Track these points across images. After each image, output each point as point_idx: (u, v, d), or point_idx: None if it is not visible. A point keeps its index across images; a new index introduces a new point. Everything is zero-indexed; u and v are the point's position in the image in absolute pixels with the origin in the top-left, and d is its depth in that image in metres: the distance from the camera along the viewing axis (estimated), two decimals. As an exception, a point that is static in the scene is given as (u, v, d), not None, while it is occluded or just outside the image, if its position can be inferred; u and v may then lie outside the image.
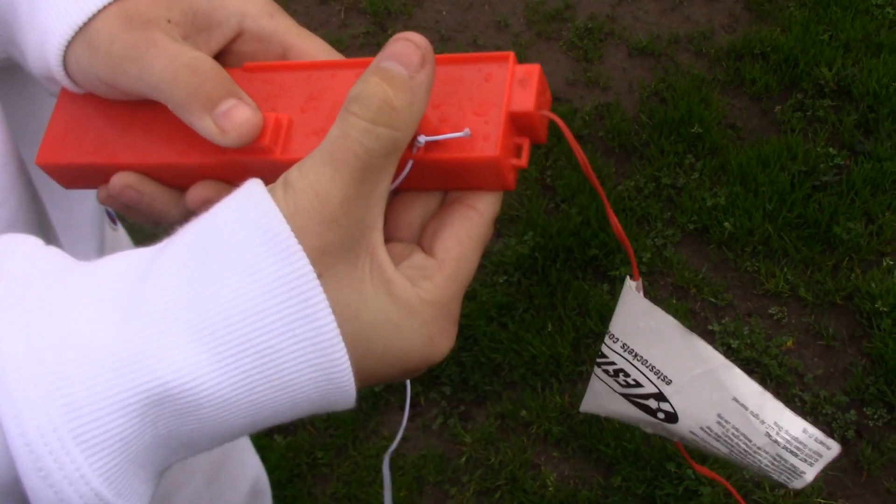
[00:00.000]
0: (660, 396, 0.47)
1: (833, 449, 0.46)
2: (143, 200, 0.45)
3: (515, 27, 2.41)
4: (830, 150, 1.97)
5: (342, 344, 0.34)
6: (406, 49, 0.36)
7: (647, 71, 2.25)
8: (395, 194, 0.41)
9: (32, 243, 0.37)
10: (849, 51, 2.12)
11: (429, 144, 0.38)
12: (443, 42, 2.41)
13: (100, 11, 0.42)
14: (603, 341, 0.48)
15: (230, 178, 0.44)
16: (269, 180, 0.42)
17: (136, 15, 0.43)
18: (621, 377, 0.48)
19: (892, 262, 1.80)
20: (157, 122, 0.45)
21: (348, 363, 0.35)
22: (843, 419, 1.62)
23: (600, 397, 0.50)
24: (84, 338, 0.33)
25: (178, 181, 0.45)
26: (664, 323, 0.45)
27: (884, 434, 1.61)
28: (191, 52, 0.41)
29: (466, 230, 0.39)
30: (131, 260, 0.36)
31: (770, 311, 1.78)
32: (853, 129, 2.00)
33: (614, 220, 0.41)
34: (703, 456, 1.53)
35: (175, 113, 0.41)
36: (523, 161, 0.39)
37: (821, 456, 0.46)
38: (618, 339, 0.47)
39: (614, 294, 1.82)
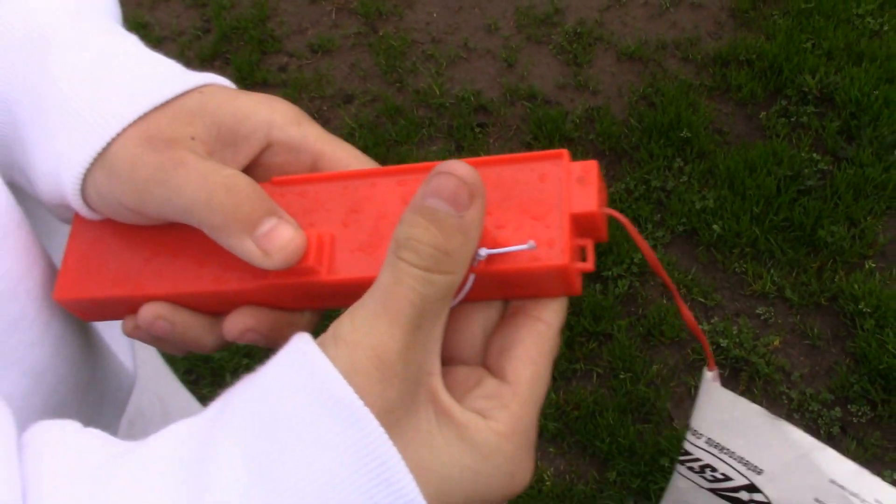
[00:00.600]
0: (751, 488, 0.46)
1: None
2: (175, 331, 0.41)
3: (505, 30, 2.45)
4: (814, 155, 2.03)
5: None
6: (450, 185, 0.33)
7: (635, 76, 2.29)
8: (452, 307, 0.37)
9: (70, 430, 0.35)
10: (831, 59, 2.19)
11: (490, 256, 0.35)
12: (434, 44, 2.44)
13: (118, 135, 0.39)
14: (685, 438, 0.46)
15: (270, 302, 0.41)
16: (313, 301, 0.41)
17: (157, 135, 0.40)
18: (708, 472, 0.47)
19: (874, 265, 1.86)
20: (185, 246, 0.42)
21: None
22: (829, 416, 1.68)
23: (685, 494, 0.49)
24: None
25: (212, 307, 0.42)
26: (749, 412, 0.44)
27: (867, 430, 1.67)
28: (223, 170, 0.38)
29: (538, 347, 0.37)
30: (182, 440, 0.33)
31: (757, 311, 1.83)
32: (836, 135, 2.06)
33: (687, 314, 0.40)
34: None
35: (211, 236, 0.38)
36: (590, 264, 0.36)
37: None
38: (702, 435, 0.45)
39: (606, 293, 1.86)
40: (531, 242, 0.35)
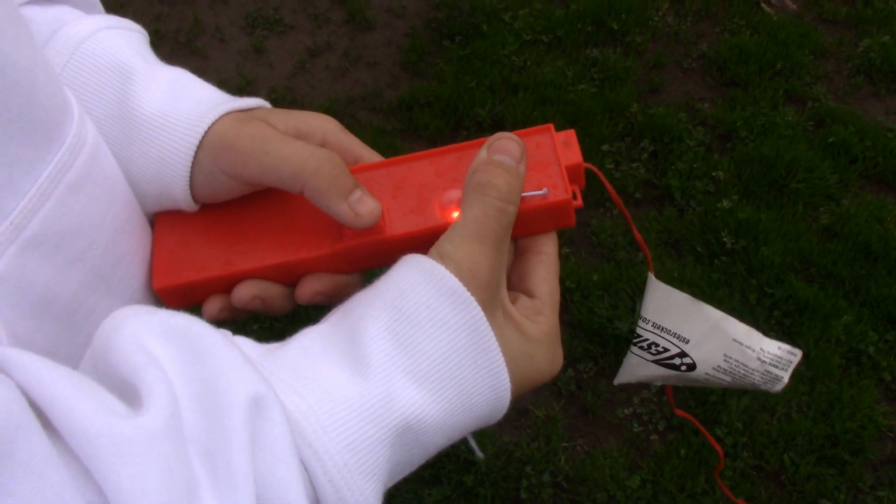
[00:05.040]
0: (682, 354, 0.59)
1: (798, 354, 0.60)
2: (264, 305, 0.50)
3: (202, 105, 2.55)
4: (500, 171, 2.36)
5: (506, 369, 0.43)
6: (512, 146, 0.46)
7: (333, 129, 2.50)
8: None
9: (228, 333, 0.42)
10: (494, 92, 2.56)
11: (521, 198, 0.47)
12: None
13: (214, 122, 0.48)
14: (637, 325, 0.59)
15: (340, 265, 0.50)
16: (376, 259, 0.50)
17: (249, 117, 0.49)
18: (653, 349, 0.60)
19: (568, 250, 2.21)
20: (261, 228, 0.50)
21: (509, 383, 0.44)
22: (565, 378, 1.97)
23: (635, 368, 0.62)
24: (338, 393, 0.39)
25: (288, 277, 0.50)
26: (679, 298, 0.57)
27: (596, 382, 1.98)
28: (322, 149, 0.47)
29: (547, 269, 0.49)
30: (322, 332, 0.43)
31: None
32: (512, 153, 2.42)
33: (639, 237, 0.55)
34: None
35: (312, 198, 0.47)
36: (580, 202, 0.49)
37: (791, 362, 0.60)
38: (648, 321, 0.58)
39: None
40: (545, 189, 0.48)
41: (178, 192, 0.49)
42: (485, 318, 0.42)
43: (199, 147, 0.48)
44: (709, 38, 2.76)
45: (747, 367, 0.59)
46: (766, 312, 2.04)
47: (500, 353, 0.43)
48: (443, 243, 0.44)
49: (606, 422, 1.91)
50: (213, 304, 0.50)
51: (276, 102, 2.54)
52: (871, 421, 1.89)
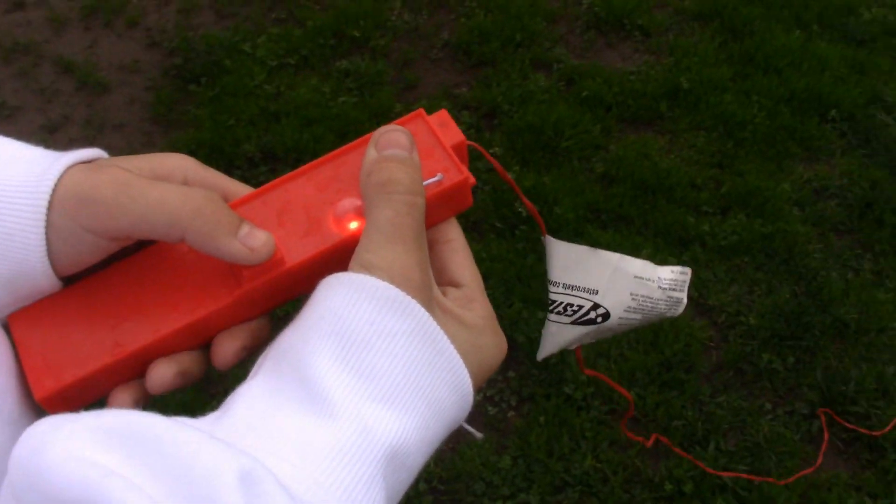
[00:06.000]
0: (595, 306, 0.59)
1: (688, 272, 0.62)
2: (185, 380, 0.44)
3: None
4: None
5: (464, 366, 0.42)
6: (398, 137, 0.45)
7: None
8: None
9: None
10: (256, 125, 2.49)
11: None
12: None
13: (62, 175, 0.42)
14: (549, 291, 0.59)
15: (241, 315, 0.46)
16: (280, 295, 0.46)
17: (100, 166, 0.43)
18: (568, 310, 0.60)
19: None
20: (143, 294, 0.45)
21: (470, 380, 0.42)
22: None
23: (555, 336, 0.61)
24: (314, 443, 0.36)
25: (189, 342, 0.45)
26: (579, 251, 0.57)
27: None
28: (197, 189, 0.43)
29: (462, 256, 0.48)
30: (266, 384, 0.39)
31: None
32: (292, 180, 2.36)
33: (528, 203, 0.54)
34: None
35: (196, 243, 0.42)
36: (473, 179, 0.48)
37: (685, 281, 0.61)
38: (558, 283, 0.58)
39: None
40: (439, 175, 0.47)
41: (35, 267, 0.43)
42: (432, 320, 0.41)
43: (49, 208, 0.42)
44: (448, 27, 2.84)
45: (652, 298, 0.60)
46: (576, 266, 2.12)
47: (455, 351, 0.41)
48: (361, 254, 0.42)
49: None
50: (124, 399, 0.44)
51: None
52: (693, 338, 2.01)
